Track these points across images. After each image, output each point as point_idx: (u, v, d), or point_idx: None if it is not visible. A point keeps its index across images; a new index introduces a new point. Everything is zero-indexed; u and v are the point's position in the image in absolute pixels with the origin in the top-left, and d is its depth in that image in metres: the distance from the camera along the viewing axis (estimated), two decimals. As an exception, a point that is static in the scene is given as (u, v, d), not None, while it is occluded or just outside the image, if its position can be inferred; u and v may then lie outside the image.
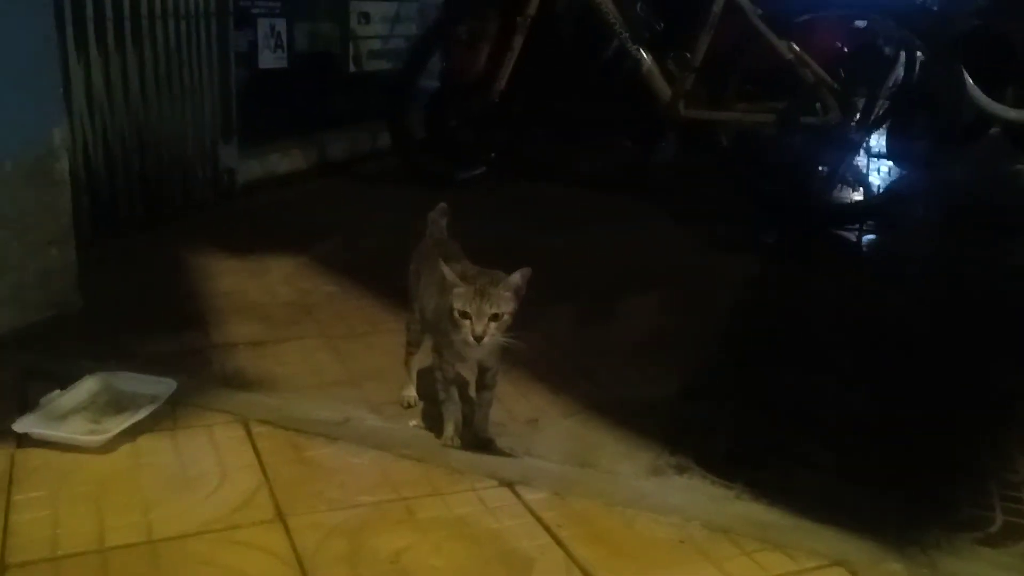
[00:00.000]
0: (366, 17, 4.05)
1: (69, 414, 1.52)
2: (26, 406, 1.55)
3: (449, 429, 1.53)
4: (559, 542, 1.26)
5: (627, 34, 3.25)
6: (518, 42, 3.36)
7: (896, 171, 3.97)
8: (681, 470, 1.55)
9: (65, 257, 2.17)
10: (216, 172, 3.19)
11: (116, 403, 1.56)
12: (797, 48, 3.00)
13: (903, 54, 3.64)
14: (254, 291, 2.33)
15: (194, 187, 3.09)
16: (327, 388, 1.80)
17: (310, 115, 3.73)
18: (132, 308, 2.22)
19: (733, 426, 1.75)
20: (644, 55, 3.27)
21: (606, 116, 3.76)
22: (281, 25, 3.56)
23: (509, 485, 1.39)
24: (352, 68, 4.01)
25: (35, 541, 1.22)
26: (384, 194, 3.47)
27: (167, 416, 1.55)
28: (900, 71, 3.69)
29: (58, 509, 1.29)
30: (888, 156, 4.05)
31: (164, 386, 1.57)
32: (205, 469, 1.42)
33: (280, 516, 1.29)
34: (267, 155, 3.51)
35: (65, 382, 1.62)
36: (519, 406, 1.78)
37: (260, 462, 1.44)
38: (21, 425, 1.46)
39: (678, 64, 3.21)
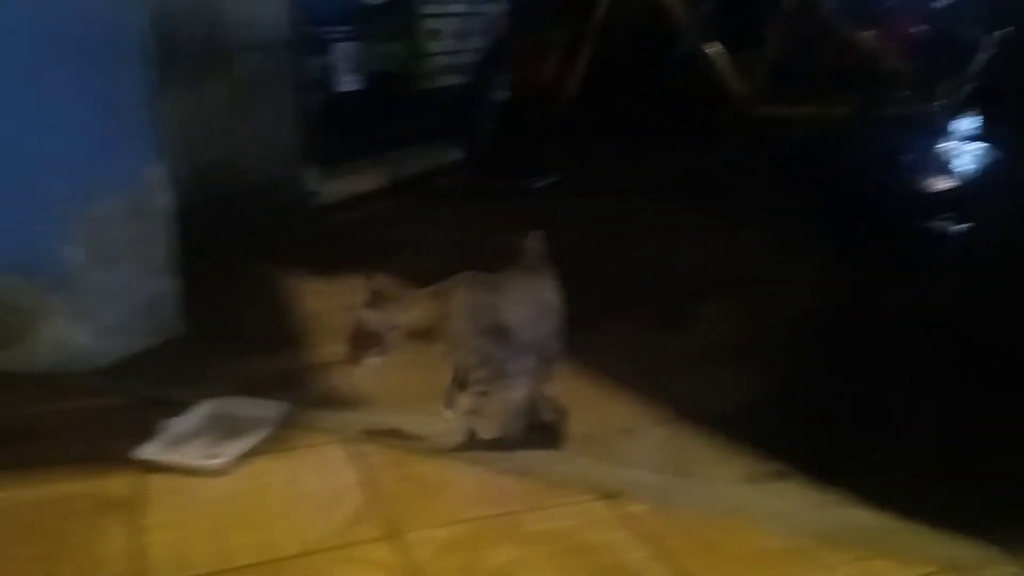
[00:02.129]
0: (435, 34, 4.13)
1: (188, 439, 1.60)
2: (145, 432, 1.63)
3: None
4: (665, 554, 1.27)
5: (696, 33, 3.23)
6: (586, 50, 3.38)
7: (990, 157, 3.81)
8: (779, 477, 1.55)
9: (168, 285, 2.29)
10: (298, 195, 3.29)
11: (230, 427, 1.63)
12: (874, 36, 2.94)
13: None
14: (341, 310, 2.40)
15: (278, 211, 3.19)
16: (420, 404, 1.84)
17: (383, 134, 3.82)
18: (231, 332, 2.31)
19: (827, 431, 1.73)
20: (716, 53, 3.24)
21: (675, 120, 3.74)
22: (355, 48, 3.66)
23: (611, 497, 1.41)
24: (424, 85, 4.09)
25: (170, 563, 1.29)
26: (456, 209, 3.51)
27: (277, 437, 1.62)
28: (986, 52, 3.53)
29: (186, 531, 1.37)
30: (984, 139, 3.88)
31: (274, 409, 1.64)
32: (317, 488, 1.48)
33: (392, 532, 1.34)
34: (344, 176, 3.60)
35: (178, 407, 1.70)
36: (611, 415, 1.79)
37: (369, 479, 1.49)
38: (145, 452, 1.54)
39: (750, 61, 3.18)
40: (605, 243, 2.89)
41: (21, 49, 1.92)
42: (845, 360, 2.09)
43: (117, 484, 1.49)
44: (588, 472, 1.53)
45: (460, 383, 1.59)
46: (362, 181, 3.70)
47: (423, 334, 1.52)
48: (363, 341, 1.48)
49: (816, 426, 1.75)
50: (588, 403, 1.77)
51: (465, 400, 1.55)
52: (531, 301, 1.56)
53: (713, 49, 3.26)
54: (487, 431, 1.61)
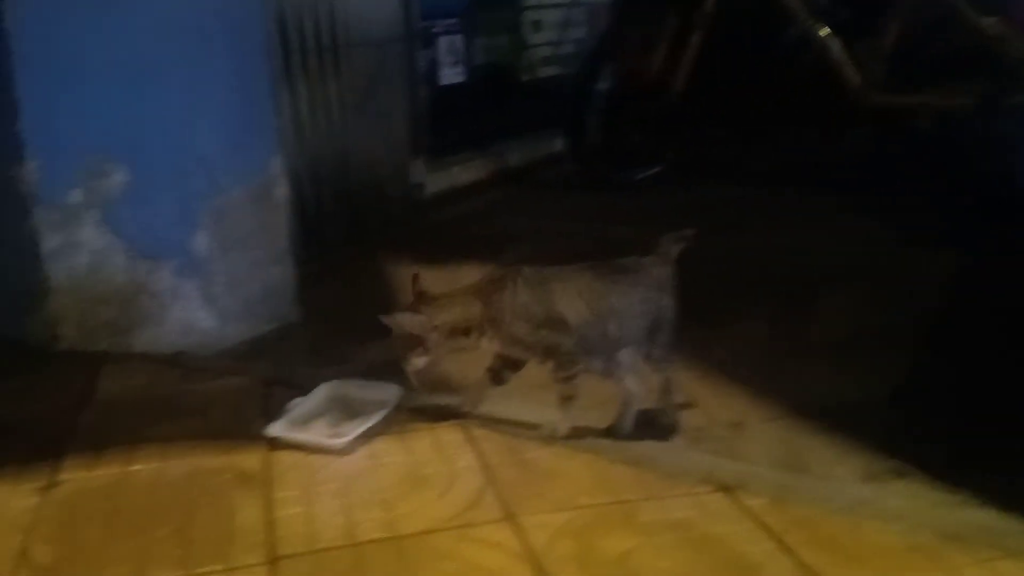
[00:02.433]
0: (538, 25, 4.14)
1: (311, 419, 1.67)
2: (269, 411, 1.72)
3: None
4: (785, 548, 1.27)
5: (812, 20, 3.14)
6: (696, 39, 3.33)
7: None
8: (899, 475, 1.51)
9: (285, 273, 2.39)
10: (407, 188, 3.36)
11: (349, 408, 1.70)
12: (999, 22, 2.80)
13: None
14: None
15: (388, 203, 3.26)
16: (531, 392, 1.86)
17: (489, 126, 3.86)
18: (343, 319, 2.38)
19: (950, 429, 1.68)
20: (831, 41, 3.15)
21: (788, 109, 3.65)
22: (459, 42, 3.71)
23: (727, 490, 1.41)
24: (526, 77, 4.11)
25: (297, 535, 1.36)
26: (562, 200, 3.54)
27: (395, 420, 1.68)
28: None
29: (311, 506, 1.44)
30: None
31: (391, 392, 1.70)
32: (435, 470, 1.53)
33: (508, 515, 1.38)
34: (450, 168, 3.66)
35: (298, 389, 1.77)
36: (722, 409, 1.78)
37: (483, 464, 1.53)
38: (274, 430, 1.62)
39: (868, 49, 3.07)
40: (717, 234, 2.82)
41: (163, 48, 2.04)
42: (968, 355, 2.01)
43: (249, 459, 1.57)
44: (701, 464, 1.53)
45: (495, 374, 1.63)
46: (468, 173, 3.75)
47: (465, 331, 1.56)
48: (406, 343, 1.54)
49: (937, 424, 1.70)
50: (699, 396, 1.77)
51: (558, 389, 1.59)
52: (623, 293, 1.56)
53: (828, 36, 3.16)
54: (596, 421, 1.63)
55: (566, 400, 1.59)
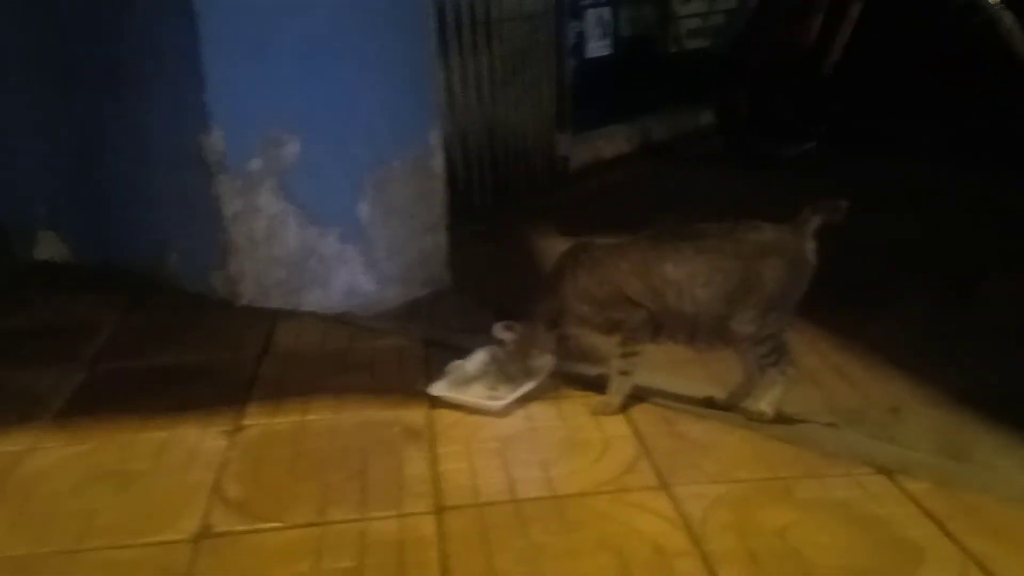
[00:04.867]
0: (686, -4, 4.09)
1: (470, 381, 1.73)
2: (429, 370, 1.81)
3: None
4: (948, 534, 1.25)
5: None
6: (855, 8, 3.20)
7: None
8: (1073, 467, 1.45)
9: (438, 241, 2.49)
10: (552, 159, 3.42)
11: (505, 372, 1.75)
12: None
13: None
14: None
15: (533, 174, 3.34)
16: (680, 367, 1.88)
17: (633, 99, 3.86)
18: (492, 285, 2.47)
19: None
20: (1003, 13, 2.97)
21: (953, 82, 3.46)
22: (607, 14, 3.71)
23: (887, 473, 1.40)
24: (674, 49, 4.07)
25: (461, 488, 1.44)
26: (708, 174, 3.50)
27: (548, 387, 1.73)
28: None
29: (473, 462, 1.51)
30: None
31: (544, 360, 1.75)
32: (589, 436, 1.57)
33: (663, 484, 1.41)
34: (595, 141, 3.69)
35: (455, 351, 1.83)
36: (878, 393, 1.75)
37: (636, 433, 1.57)
38: (436, 389, 1.70)
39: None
40: (876, 212, 2.75)
41: (335, 26, 2.16)
42: None
43: (414, 415, 1.67)
44: (859, 446, 1.52)
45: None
46: (612, 146, 3.77)
47: (554, 323, 1.63)
48: (521, 349, 1.67)
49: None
50: (856, 379, 1.74)
51: (615, 363, 1.62)
52: (683, 262, 1.52)
53: (999, 7, 2.98)
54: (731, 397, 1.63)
55: (622, 376, 1.60)
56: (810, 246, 1.50)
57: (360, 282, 2.33)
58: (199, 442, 1.61)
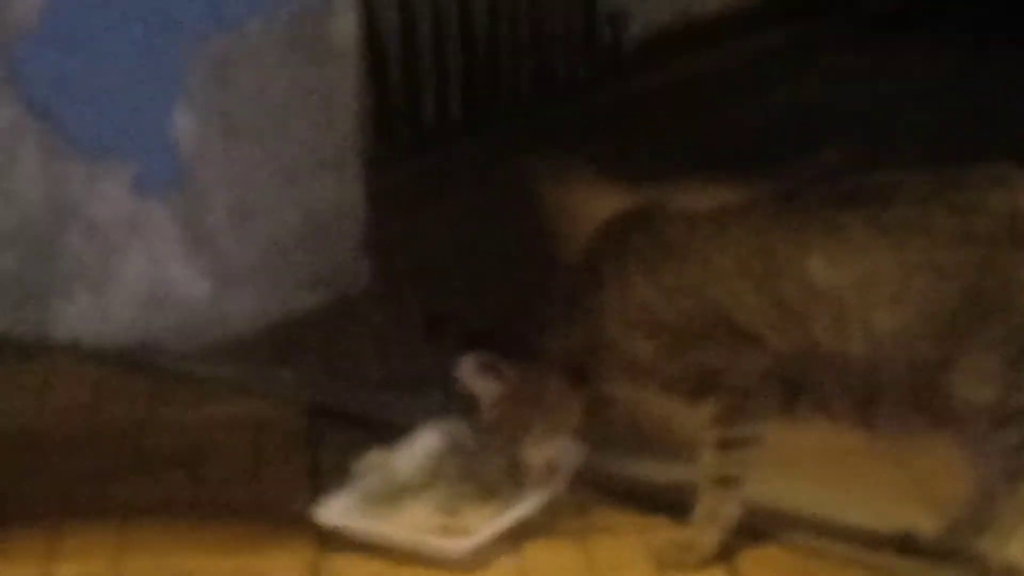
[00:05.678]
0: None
1: (403, 494, 1.05)
2: (317, 470, 1.10)
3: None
4: None
5: None
6: None
7: None
8: None
9: (345, 193, 1.58)
10: (591, 21, 2.16)
11: (475, 475, 1.05)
12: None
13: None
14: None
15: (552, 52, 2.10)
16: (838, 470, 1.14)
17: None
18: (454, 286, 1.56)
19: None
20: None
21: None
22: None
23: None
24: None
25: None
26: (899, 53, 2.18)
27: (566, 505, 1.03)
28: None
29: None
30: None
31: (558, 448, 1.04)
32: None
33: None
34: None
35: (372, 426, 1.16)
36: None
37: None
38: (333, 511, 0.99)
39: None
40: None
41: None
42: None
43: (284, 570, 0.88)
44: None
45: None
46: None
47: None
48: None
49: None
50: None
51: (710, 460, 1.00)
52: (858, 252, 0.97)
53: None
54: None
55: (720, 486, 1.00)
56: None
57: (175, 279, 1.44)
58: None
